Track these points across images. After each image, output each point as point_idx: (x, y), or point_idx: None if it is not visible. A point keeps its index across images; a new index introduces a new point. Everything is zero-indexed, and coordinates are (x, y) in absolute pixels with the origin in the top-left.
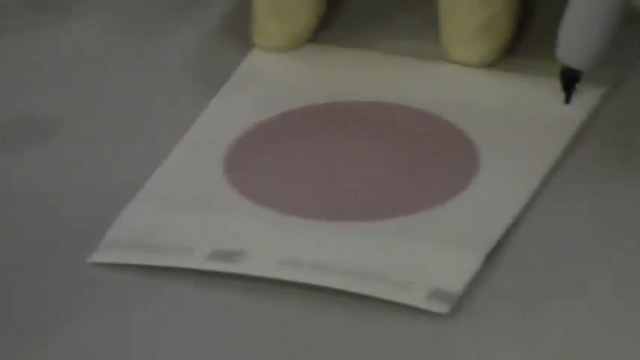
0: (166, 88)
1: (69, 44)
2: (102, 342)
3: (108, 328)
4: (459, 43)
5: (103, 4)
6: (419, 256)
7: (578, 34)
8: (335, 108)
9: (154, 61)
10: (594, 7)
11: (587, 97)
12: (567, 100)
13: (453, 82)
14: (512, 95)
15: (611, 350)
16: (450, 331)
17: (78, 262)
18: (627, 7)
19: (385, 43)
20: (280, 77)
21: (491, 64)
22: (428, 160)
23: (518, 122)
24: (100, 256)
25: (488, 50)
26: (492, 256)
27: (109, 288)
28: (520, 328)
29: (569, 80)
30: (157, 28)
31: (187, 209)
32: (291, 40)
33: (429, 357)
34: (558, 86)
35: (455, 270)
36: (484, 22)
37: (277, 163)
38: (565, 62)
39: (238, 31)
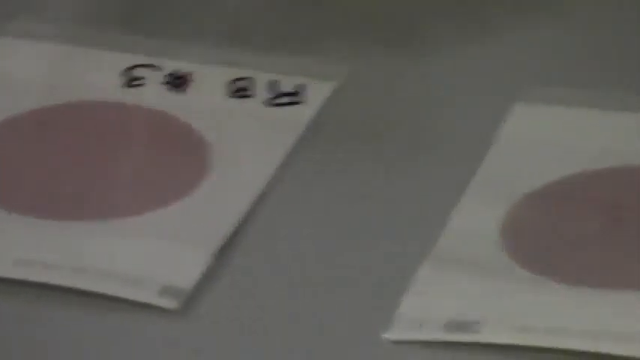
0: None
1: None
2: None
3: None
4: None
5: None
6: (149, 254)
7: None
8: (65, 109)
9: None
10: None
11: (317, 93)
12: None
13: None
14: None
15: None
16: (181, 326)
17: None
18: None
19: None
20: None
21: None
22: (160, 159)
23: (248, 119)
24: None
25: None
26: (222, 254)
27: None
28: (250, 324)
29: None
30: None
31: None
32: None
33: (161, 352)
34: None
35: (184, 267)
36: None
37: (7, 163)
38: None
39: None
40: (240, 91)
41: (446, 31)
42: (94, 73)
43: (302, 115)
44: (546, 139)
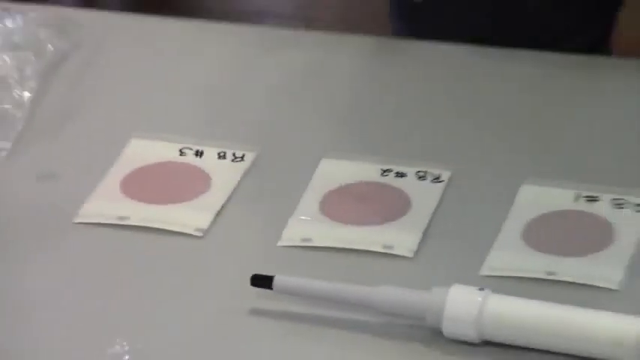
0: None
1: None
2: None
3: None
4: None
5: None
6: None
7: None
8: None
9: None
10: None
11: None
12: None
13: None
14: None
15: None
16: (203, 246)
17: None
18: None
19: None
20: None
21: None
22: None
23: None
24: None
25: None
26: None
27: None
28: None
29: None
30: None
31: None
32: None
33: (190, 267)
34: None
35: (202, 217)
36: None
37: None
38: None
39: None
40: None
41: None
42: None
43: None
44: None
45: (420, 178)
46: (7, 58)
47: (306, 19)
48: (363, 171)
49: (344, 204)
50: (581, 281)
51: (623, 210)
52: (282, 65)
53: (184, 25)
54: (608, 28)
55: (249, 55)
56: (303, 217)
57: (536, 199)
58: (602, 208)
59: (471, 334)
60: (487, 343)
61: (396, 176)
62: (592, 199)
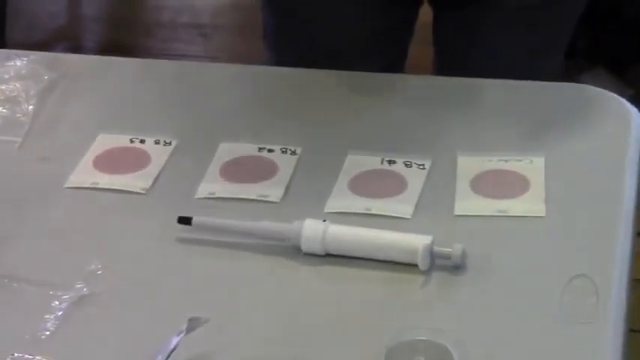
0: None
1: None
2: None
3: None
4: None
5: None
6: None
7: None
8: None
9: None
10: None
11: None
12: None
13: None
14: None
15: None
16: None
17: None
18: None
19: None
20: None
21: None
22: None
23: None
24: None
25: None
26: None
27: None
28: None
29: None
30: None
31: None
32: None
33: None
34: None
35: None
36: None
37: None
38: None
39: None
40: None
41: None
42: None
43: None
44: None
45: (282, 152)
46: (18, 85)
47: (212, 58)
48: (245, 149)
49: (234, 170)
50: (387, 214)
51: (412, 168)
52: (192, 88)
53: (132, 62)
54: (403, 56)
55: (170, 81)
56: (209, 179)
57: (357, 163)
58: (398, 168)
59: (318, 249)
60: (328, 255)
61: (268, 152)
62: (392, 162)
